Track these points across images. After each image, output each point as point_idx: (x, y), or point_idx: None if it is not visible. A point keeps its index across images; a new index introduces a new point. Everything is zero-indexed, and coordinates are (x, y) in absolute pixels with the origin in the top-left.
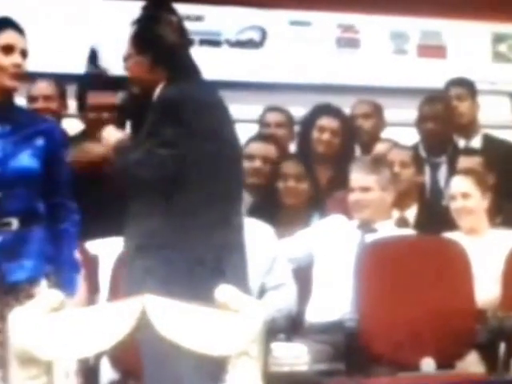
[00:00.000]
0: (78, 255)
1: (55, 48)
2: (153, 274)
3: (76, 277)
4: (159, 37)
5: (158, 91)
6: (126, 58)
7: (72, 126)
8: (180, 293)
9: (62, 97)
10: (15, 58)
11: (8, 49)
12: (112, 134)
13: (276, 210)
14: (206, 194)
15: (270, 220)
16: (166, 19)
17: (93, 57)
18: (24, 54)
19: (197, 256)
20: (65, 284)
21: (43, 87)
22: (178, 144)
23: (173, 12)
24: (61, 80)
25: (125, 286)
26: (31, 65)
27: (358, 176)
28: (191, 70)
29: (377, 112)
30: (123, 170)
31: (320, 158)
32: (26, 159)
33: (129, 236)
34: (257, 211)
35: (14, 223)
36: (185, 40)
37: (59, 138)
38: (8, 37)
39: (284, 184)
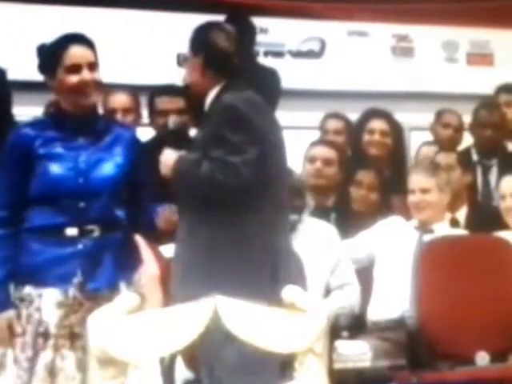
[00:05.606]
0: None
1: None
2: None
3: None
4: (211, 40)
5: (210, 99)
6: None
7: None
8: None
9: (137, 109)
10: (83, 74)
11: (73, 67)
12: (170, 157)
13: (345, 214)
14: (266, 201)
15: (339, 223)
16: (221, 27)
17: None
18: (92, 66)
19: (255, 262)
20: None
21: (123, 100)
22: (247, 150)
23: (246, 27)
24: (135, 91)
25: (176, 293)
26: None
27: (419, 178)
28: (244, 79)
29: None
30: (195, 182)
31: (373, 161)
32: (106, 168)
33: (182, 247)
34: (324, 214)
35: (96, 231)
36: (238, 51)
37: (134, 141)
38: (71, 55)
39: (357, 191)
